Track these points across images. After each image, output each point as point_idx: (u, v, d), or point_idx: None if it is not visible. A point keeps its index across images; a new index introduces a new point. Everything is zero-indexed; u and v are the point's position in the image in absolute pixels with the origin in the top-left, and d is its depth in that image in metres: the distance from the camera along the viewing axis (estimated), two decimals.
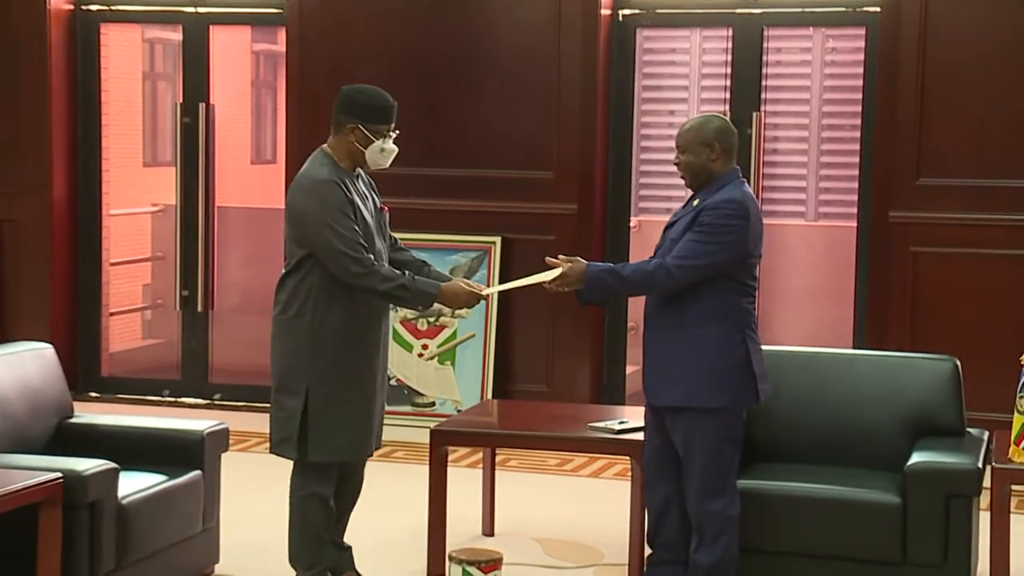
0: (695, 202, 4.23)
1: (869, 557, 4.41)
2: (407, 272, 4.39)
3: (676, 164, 4.27)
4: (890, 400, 4.77)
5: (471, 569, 4.33)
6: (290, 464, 4.46)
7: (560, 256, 4.34)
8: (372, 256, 4.29)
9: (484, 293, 4.44)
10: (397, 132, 4.44)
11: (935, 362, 4.86)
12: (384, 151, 4.39)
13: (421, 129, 7.24)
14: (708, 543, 4.24)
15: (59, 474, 3.94)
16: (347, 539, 4.67)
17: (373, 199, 4.49)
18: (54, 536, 3.92)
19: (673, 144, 4.33)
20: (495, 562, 4.38)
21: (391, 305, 4.49)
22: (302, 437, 4.33)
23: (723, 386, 4.18)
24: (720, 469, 4.23)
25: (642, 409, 4.53)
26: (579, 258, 4.32)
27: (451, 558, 4.39)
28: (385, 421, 4.60)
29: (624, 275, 4.19)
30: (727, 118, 4.38)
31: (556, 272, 4.27)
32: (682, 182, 4.36)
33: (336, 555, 4.53)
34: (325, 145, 4.43)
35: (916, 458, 4.44)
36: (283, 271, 4.41)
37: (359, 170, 4.46)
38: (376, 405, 4.46)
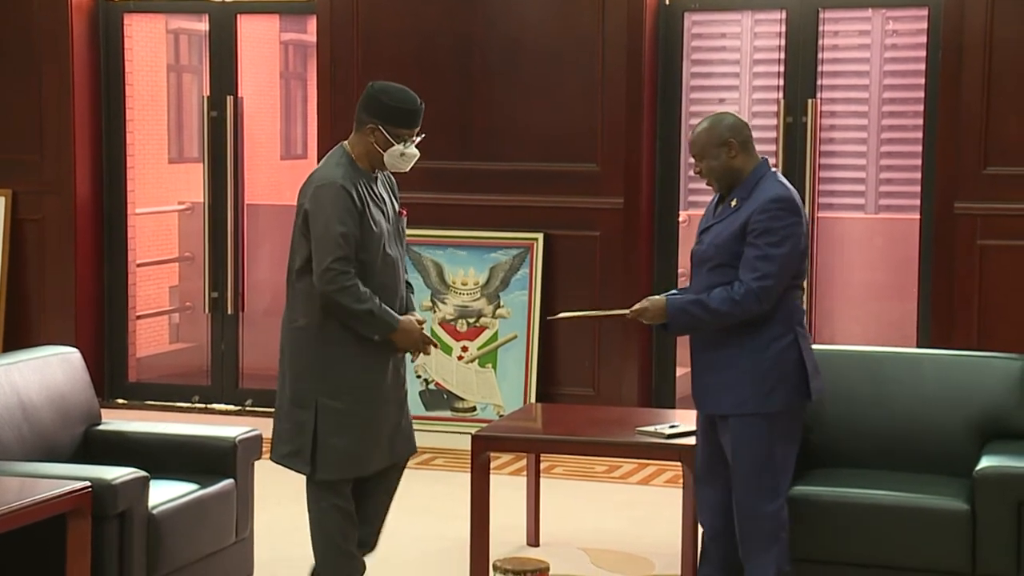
0: (733, 202, 4.23)
1: (935, 568, 4.39)
2: (377, 299, 4.34)
3: (698, 174, 4.28)
4: (957, 402, 4.76)
5: None
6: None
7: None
8: (353, 272, 4.27)
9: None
10: (422, 136, 4.45)
11: (1004, 361, 4.84)
12: (404, 156, 4.40)
13: (458, 120, 7.28)
14: (758, 557, 4.23)
15: (87, 483, 3.98)
16: (386, 550, 4.70)
17: (392, 203, 4.50)
18: (83, 547, 3.97)
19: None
20: (541, 572, 4.39)
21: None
22: (313, 452, 4.36)
23: (773, 390, 4.19)
24: (772, 472, 4.23)
25: (693, 412, 4.54)
26: (652, 296, 4.35)
27: (495, 568, 4.41)
28: (424, 427, 4.62)
29: (712, 307, 4.17)
30: (737, 113, 4.41)
31: (633, 307, 4.31)
32: None
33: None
34: (346, 141, 4.45)
35: (986, 462, 4.43)
36: (288, 272, 4.40)
37: (378, 172, 4.49)
38: (384, 418, 4.43)
